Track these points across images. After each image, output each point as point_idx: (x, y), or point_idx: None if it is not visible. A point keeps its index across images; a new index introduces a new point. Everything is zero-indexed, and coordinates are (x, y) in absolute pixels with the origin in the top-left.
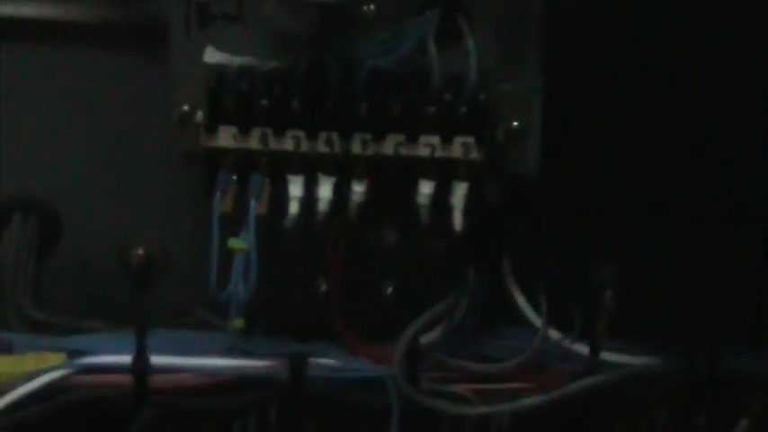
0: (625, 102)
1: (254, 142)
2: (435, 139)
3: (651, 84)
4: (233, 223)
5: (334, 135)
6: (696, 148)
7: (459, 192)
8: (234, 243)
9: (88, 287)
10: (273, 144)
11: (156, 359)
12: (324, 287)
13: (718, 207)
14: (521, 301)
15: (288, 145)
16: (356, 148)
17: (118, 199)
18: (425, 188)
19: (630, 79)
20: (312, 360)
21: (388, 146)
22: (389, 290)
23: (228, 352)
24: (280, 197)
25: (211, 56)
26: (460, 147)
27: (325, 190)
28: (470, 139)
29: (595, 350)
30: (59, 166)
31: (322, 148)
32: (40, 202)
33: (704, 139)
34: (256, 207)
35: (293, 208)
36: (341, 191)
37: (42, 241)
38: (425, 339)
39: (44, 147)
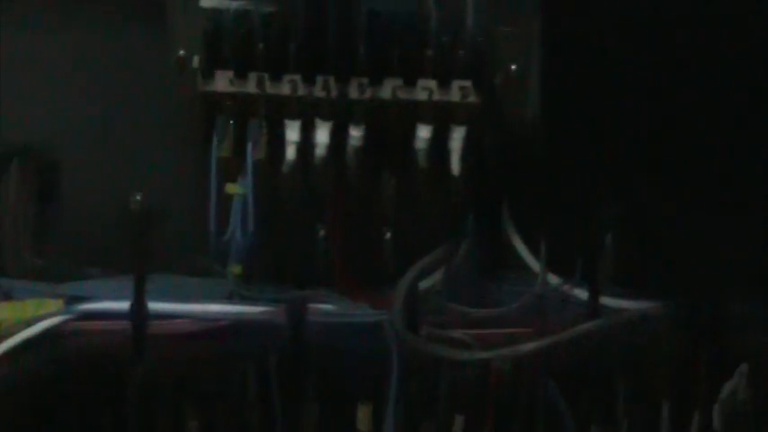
0: (627, 44)
1: (251, 87)
2: (433, 83)
3: (654, 24)
4: (232, 169)
5: (332, 79)
6: (702, 92)
7: (458, 136)
8: (231, 188)
9: (88, 234)
10: (270, 88)
11: (155, 305)
12: (323, 233)
13: (723, 152)
14: (520, 245)
15: (285, 89)
16: (353, 92)
17: (117, 146)
18: (423, 132)
19: (634, 21)
20: (311, 306)
21: (386, 90)
22: (388, 235)
23: (227, 298)
24: (277, 142)
25: (208, 0)
26: (458, 90)
27: (322, 135)
28: (468, 83)
29: (595, 295)
30: (58, 115)
31: (319, 92)
32: (39, 151)
33: (710, 84)
34: (254, 152)
35: (290, 153)
36: (338, 136)
37: (41, 189)
38: (424, 284)
39: (43, 96)
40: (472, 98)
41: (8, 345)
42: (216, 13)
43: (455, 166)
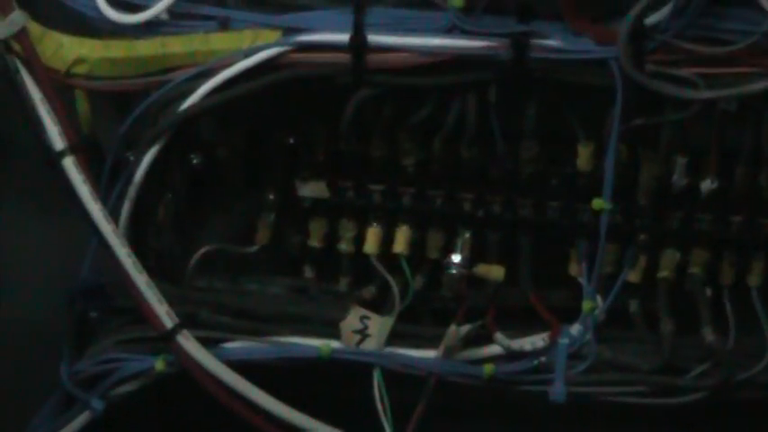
0: None
1: None
2: None
3: None
4: None
5: None
6: None
7: None
8: None
9: None
10: None
11: (374, 37)
12: None
13: None
14: None
15: None
16: None
17: None
18: None
19: None
20: (535, 41)
21: None
22: None
23: (448, 31)
24: None
25: None
26: None
27: None
28: None
29: None
30: None
31: None
32: None
33: None
34: None
35: None
36: None
37: None
38: (652, 20)
39: None
40: None
41: (226, 74)
42: None
43: None
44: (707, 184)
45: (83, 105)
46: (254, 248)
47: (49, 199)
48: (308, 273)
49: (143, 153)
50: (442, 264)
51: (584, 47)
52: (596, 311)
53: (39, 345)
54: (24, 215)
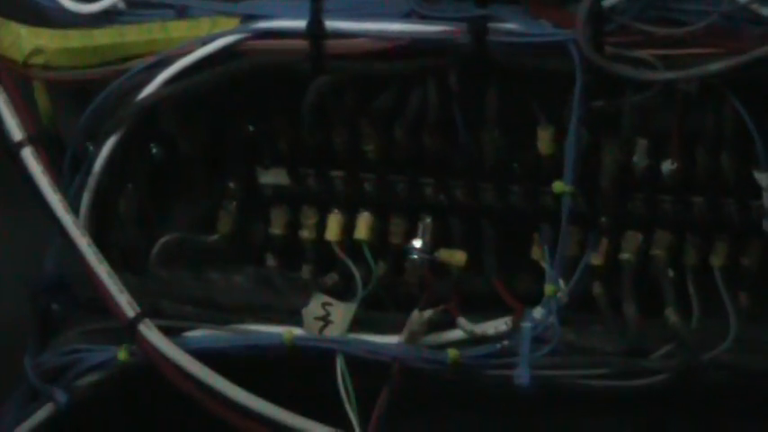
0: None
1: None
2: None
3: None
4: None
5: None
6: None
7: None
8: None
9: None
10: None
11: (333, 23)
12: None
13: None
14: None
15: None
16: None
17: None
18: None
19: None
20: (493, 24)
21: None
22: None
23: (407, 16)
24: None
25: None
26: None
27: None
28: None
29: None
30: None
31: None
32: None
33: None
34: None
35: None
36: None
37: None
38: (610, 2)
39: None
40: None
41: (183, 63)
42: None
43: None
44: (667, 165)
45: (42, 96)
46: (216, 237)
47: (10, 191)
48: (271, 261)
49: (102, 144)
50: (404, 250)
51: (543, 30)
52: (559, 295)
53: (2, 338)
54: None
